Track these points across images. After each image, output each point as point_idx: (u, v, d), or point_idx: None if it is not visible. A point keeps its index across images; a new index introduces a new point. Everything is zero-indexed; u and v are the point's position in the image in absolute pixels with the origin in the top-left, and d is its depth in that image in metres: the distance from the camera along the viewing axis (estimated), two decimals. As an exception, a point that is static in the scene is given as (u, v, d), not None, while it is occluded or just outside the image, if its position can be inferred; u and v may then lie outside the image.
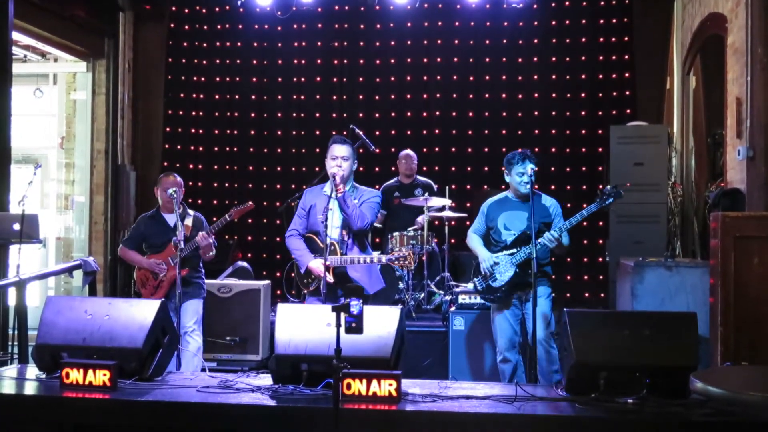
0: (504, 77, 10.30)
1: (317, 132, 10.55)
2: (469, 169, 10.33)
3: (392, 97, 10.51)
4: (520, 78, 10.27)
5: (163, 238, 6.42)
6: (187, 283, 6.31)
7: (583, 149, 10.02)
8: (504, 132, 10.28)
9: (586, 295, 9.60)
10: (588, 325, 4.24)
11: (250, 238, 10.59)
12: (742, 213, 6.01)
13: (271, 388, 4.19)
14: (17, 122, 8.20)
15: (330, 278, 5.44)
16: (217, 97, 10.77)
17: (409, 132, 10.45)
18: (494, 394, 4.11)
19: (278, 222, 9.79)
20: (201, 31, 10.78)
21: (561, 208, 6.06)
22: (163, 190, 6.41)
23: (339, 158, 5.65)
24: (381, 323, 4.19)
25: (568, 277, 9.73)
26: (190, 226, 6.41)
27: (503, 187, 9.87)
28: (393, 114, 10.50)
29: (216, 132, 10.77)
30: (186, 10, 10.78)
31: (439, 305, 8.32)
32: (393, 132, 10.43)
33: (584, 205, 5.84)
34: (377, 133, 10.12)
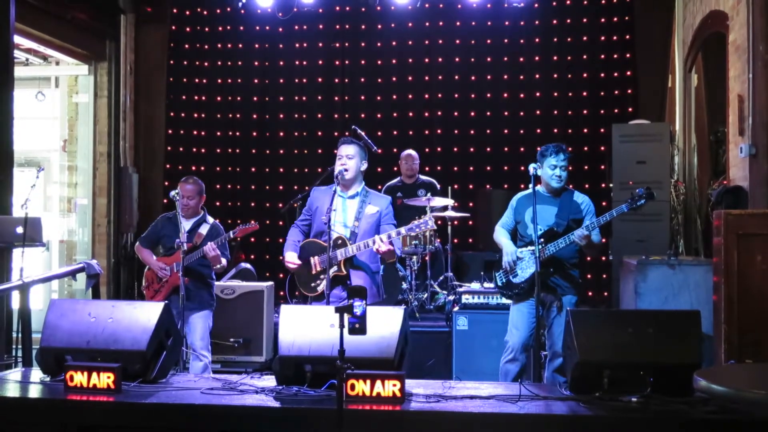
0: (505, 76, 10.31)
1: (319, 133, 10.56)
2: (471, 168, 10.34)
3: (394, 97, 10.52)
4: (521, 77, 10.27)
5: (174, 242, 6.29)
6: (190, 295, 6.09)
7: (585, 148, 10.01)
8: (506, 131, 10.29)
9: (590, 293, 9.58)
10: (591, 324, 4.23)
11: (253, 239, 10.59)
12: (744, 210, 6.01)
13: (275, 389, 4.19)
14: (19, 126, 8.23)
15: (343, 270, 5.47)
16: (218, 98, 10.78)
17: (411, 132, 10.46)
18: (498, 394, 4.11)
19: (281, 223, 9.81)
20: (202, 32, 10.78)
21: (595, 207, 5.84)
22: (180, 196, 6.24)
23: (344, 156, 5.60)
24: (384, 324, 4.19)
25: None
26: (203, 234, 6.27)
27: (506, 186, 10.03)
28: (395, 114, 10.51)
29: (218, 134, 10.78)
30: (187, 12, 10.80)
31: (443, 305, 8.33)
32: (395, 132, 10.44)
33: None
34: (379, 133, 10.12)
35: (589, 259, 9.45)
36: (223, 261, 6.27)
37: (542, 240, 5.55)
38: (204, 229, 6.32)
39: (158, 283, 6.33)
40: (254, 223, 6.36)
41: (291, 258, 5.66)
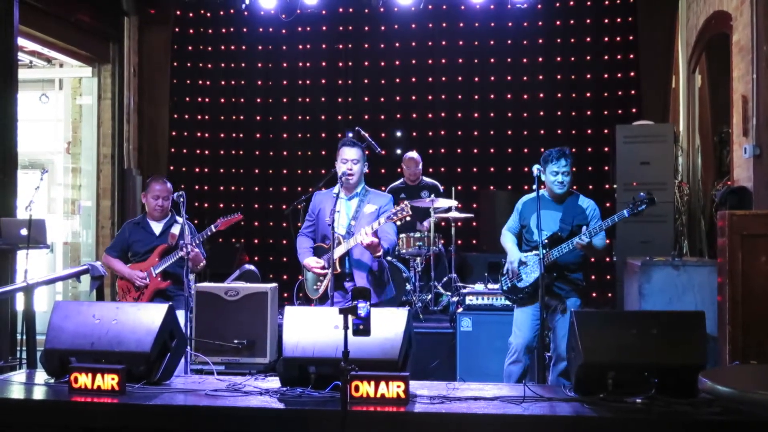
0: (509, 78, 10.31)
1: (323, 134, 10.57)
2: (475, 169, 10.34)
3: (397, 98, 10.53)
4: (525, 78, 10.27)
5: (147, 246, 6.20)
6: (169, 298, 5.98)
7: (589, 149, 10.02)
8: (509, 132, 10.29)
9: (594, 294, 9.58)
10: (596, 325, 4.23)
11: (256, 241, 10.60)
12: (749, 211, 6.00)
13: (279, 390, 4.19)
14: (23, 128, 8.23)
15: (338, 268, 5.46)
16: (222, 100, 10.80)
17: (414, 133, 10.47)
18: (503, 395, 4.10)
19: (285, 225, 9.80)
20: (205, 34, 10.81)
21: (600, 210, 5.80)
22: (153, 196, 6.19)
23: (349, 161, 5.59)
24: (389, 325, 4.19)
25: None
26: (176, 234, 6.09)
27: (510, 187, 10.03)
28: (398, 116, 10.53)
29: (221, 135, 10.80)
30: (190, 14, 10.81)
31: (447, 306, 8.32)
32: (398, 133, 10.46)
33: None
34: (383, 134, 10.13)
35: (593, 260, 9.51)
36: (202, 260, 6.19)
37: (546, 242, 5.55)
38: (176, 230, 6.14)
39: (136, 290, 6.18)
40: (238, 214, 6.28)
41: (312, 263, 5.62)
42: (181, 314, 5.96)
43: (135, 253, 6.28)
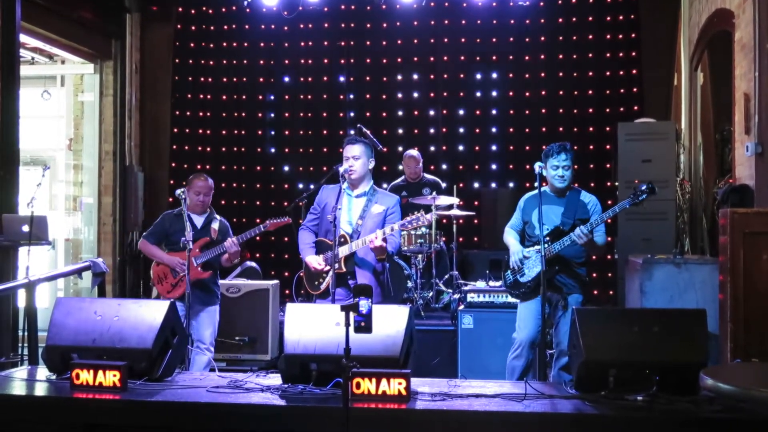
0: (511, 75, 10.30)
1: (324, 132, 10.56)
2: (476, 167, 10.33)
3: (399, 96, 10.53)
4: (527, 76, 10.26)
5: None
6: (205, 289, 6.20)
7: (591, 147, 10.00)
8: (511, 130, 10.28)
9: (595, 292, 9.57)
10: (597, 323, 4.23)
11: (258, 238, 10.57)
12: (750, 209, 5.99)
13: (280, 387, 4.20)
14: (25, 124, 8.24)
15: (343, 267, 5.47)
16: (224, 97, 10.79)
17: (416, 131, 10.47)
18: (504, 393, 4.11)
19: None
20: (207, 31, 10.79)
21: (601, 206, 5.81)
22: (195, 192, 6.29)
23: (350, 158, 5.60)
24: (390, 322, 4.19)
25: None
26: (216, 230, 6.30)
27: (511, 184, 10.03)
28: (400, 113, 10.52)
29: (223, 132, 10.79)
30: (192, 11, 10.81)
31: (448, 304, 8.32)
32: (400, 131, 10.45)
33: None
34: (384, 132, 10.12)
35: (594, 258, 9.50)
36: (239, 256, 6.34)
37: (548, 239, 5.55)
38: (216, 225, 6.35)
39: (174, 277, 6.28)
40: (287, 218, 6.40)
41: (314, 261, 5.63)
42: (210, 312, 6.28)
43: (173, 243, 6.33)
